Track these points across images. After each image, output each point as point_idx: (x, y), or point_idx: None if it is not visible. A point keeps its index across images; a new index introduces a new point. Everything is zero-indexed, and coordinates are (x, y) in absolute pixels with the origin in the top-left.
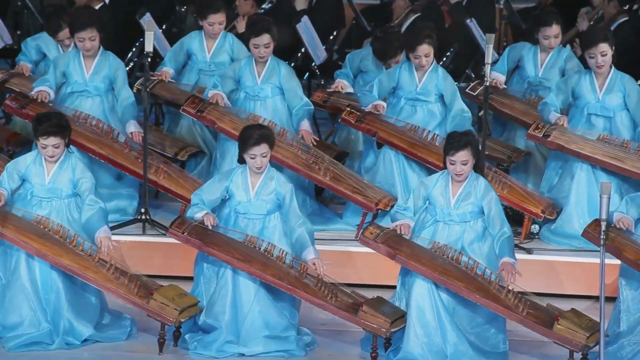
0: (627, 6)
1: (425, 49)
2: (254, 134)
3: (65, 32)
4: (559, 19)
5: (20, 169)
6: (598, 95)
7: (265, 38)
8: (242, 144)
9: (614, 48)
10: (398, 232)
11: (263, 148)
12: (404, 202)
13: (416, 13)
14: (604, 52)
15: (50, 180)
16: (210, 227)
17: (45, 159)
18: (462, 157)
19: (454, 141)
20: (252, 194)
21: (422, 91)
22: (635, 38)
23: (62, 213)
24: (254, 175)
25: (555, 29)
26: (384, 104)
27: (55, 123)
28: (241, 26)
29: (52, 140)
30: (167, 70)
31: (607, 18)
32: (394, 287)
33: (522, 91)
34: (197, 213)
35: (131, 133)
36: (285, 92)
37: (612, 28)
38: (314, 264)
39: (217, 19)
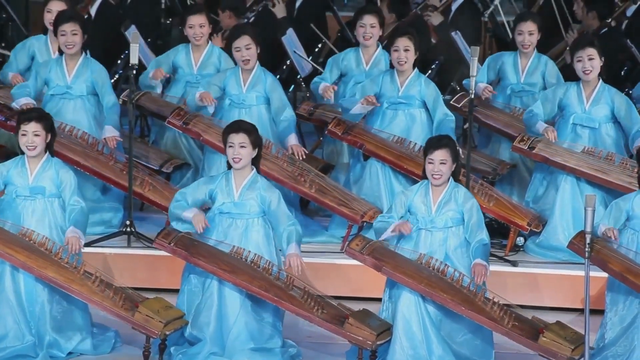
0: (610, 20)
1: (405, 42)
2: (235, 123)
3: (55, 4)
4: (536, 18)
5: (3, 172)
6: (585, 106)
7: (245, 39)
8: (224, 134)
9: (602, 59)
10: (397, 230)
11: (241, 137)
12: (386, 212)
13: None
14: (591, 55)
15: (34, 179)
16: (200, 230)
17: (26, 156)
18: (441, 156)
19: (434, 142)
20: (236, 195)
21: (404, 95)
22: (614, 50)
23: (46, 213)
24: (238, 178)
25: (529, 25)
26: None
27: (37, 111)
28: (216, 42)
29: (33, 127)
30: (157, 69)
31: (586, 30)
32: (380, 299)
33: (506, 103)
34: (185, 211)
35: (105, 139)
36: (270, 101)
37: None
38: (290, 261)
39: (196, 21)
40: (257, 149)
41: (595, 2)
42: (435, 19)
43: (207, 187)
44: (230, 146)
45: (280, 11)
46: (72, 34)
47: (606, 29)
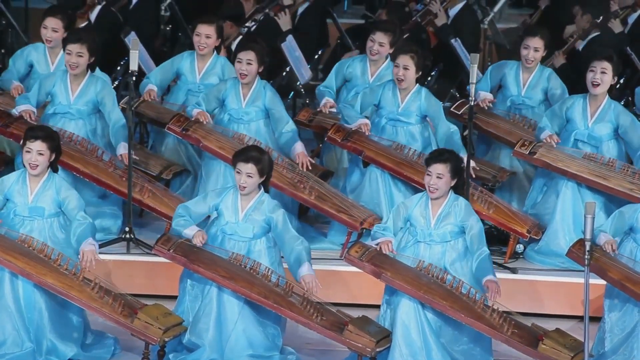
0: (599, 21)
1: (405, 60)
2: (246, 151)
3: (50, 21)
4: (545, 35)
5: (4, 188)
6: (588, 122)
7: (249, 54)
8: (233, 158)
9: (615, 78)
10: (381, 250)
11: (249, 168)
12: (384, 222)
13: (403, 35)
14: (604, 69)
15: (34, 199)
16: (199, 245)
17: (28, 173)
18: (438, 170)
19: (435, 155)
20: (240, 216)
21: (403, 112)
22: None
23: (44, 232)
24: (244, 199)
25: (537, 41)
26: (369, 122)
27: (45, 131)
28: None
29: (38, 145)
30: (151, 87)
31: (579, 32)
32: (379, 306)
33: (506, 111)
34: (186, 228)
35: (121, 155)
36: (270, 115)
37: (584, 42)
38: (304, 280)
39: (203, 30)
40: (265, 176)
41: (590, 5)
42: (439, 18)
43: (213, 202)
44: (238, 172)
45: (285, 24)
46: (77, 55)
47: (598, 33)
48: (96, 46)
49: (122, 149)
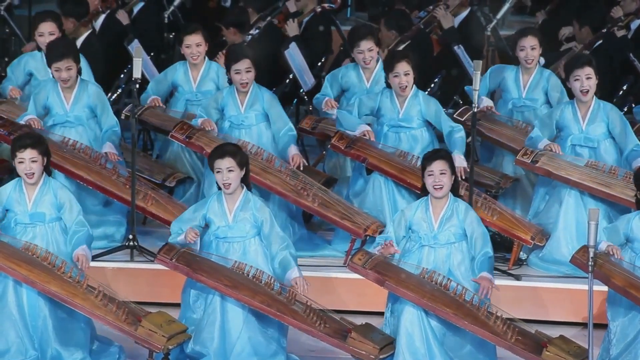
0: (604, 30)
1: (404, 67)
2: (219, 148)
3: (45, 26)
4: (536, 32)
5: (2, 199)
6: (582, 125)
7: (246, 63)
8: (209, 160)
9: (597, 77)
10: (384, 253)
11: (227, 162)
12: (386, 231)
13: (405, 42)
14: (589, 75)
15: (33, 206)
16: (191, 241)
17: (24, 181)
18: (440, 167)
19: (430, 154)
20: (230, 218)
21: (404, 117)
22: (609, 63)
23: (47, 238)
24: (230, 200)
25: (531, 40)
26: (370, 129)
27: (32, 138)
28: (222, 60)
29: (29, 154)
30: (154, 97)
31: (580, 44)
32: (382, 313)
33: (509, 117)
34: (179, 237)
35: (106, 153)
36: (270, 117)
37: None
38: (296, 282)
39: (193, 40)
40: (244, 169)
41: (588, 17)
42: (446, 21)
43: (200, 213)
44: (218, 172)
45: (292, 30)
46: (67, 70)
47: (601, 41)
48: (78, 51)
49: (107, 147)
